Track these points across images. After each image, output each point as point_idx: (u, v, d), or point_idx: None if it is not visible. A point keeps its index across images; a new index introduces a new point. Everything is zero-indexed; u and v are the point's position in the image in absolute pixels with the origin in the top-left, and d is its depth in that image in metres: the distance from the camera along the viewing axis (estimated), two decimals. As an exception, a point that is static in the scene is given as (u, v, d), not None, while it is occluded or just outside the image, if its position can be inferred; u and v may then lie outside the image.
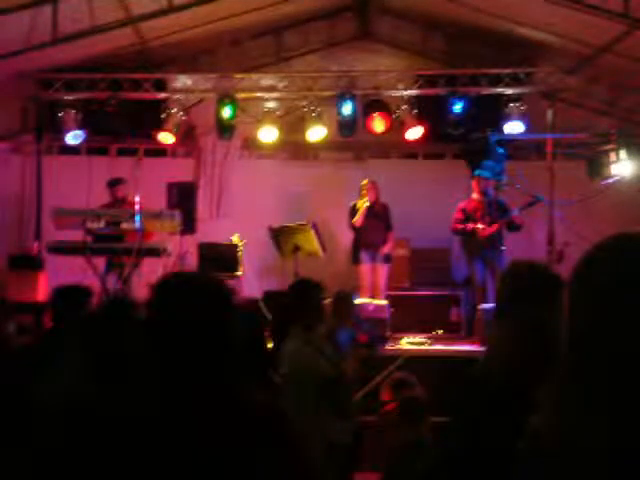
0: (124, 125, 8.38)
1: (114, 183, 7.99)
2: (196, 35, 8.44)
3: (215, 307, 1.67)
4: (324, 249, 7.91)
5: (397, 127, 8.53)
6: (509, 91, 8.33)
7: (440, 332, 7.97)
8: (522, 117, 8.26)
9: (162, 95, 8.53)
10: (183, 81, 8.64)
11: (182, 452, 1.54)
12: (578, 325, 1.18)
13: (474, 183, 7.92)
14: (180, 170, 9.34)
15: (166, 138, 8.54)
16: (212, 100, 8.58)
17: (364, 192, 8.16)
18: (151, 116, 8.49)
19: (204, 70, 8.92)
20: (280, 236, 7.93)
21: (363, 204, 8.12)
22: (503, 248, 7.62)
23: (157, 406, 1.61)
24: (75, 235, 6.94)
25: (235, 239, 8.06)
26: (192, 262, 8.00)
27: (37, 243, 8.17)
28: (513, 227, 7.75)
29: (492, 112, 8.33)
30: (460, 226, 7.82)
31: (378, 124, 8.47)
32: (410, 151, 9.64)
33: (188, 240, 8.18)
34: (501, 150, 7.66)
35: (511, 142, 8.49)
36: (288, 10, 8.54)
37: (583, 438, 1.11)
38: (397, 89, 8.55)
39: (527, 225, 7.94)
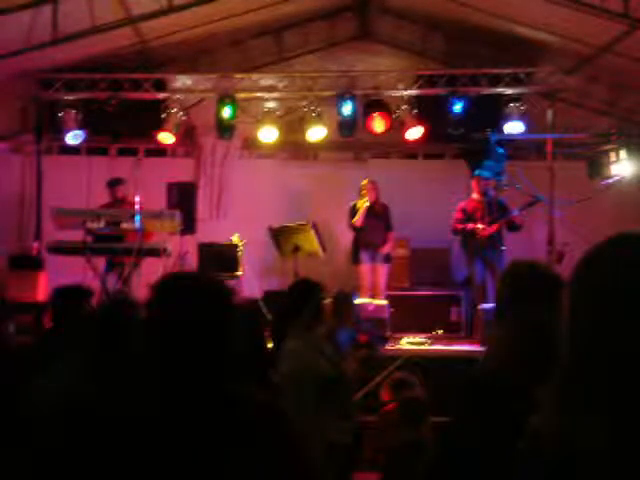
0: (124, 125, 8.38)
1: (114, 183, 7.99)
2: (196, 35, 8.44)
3: (215, 307, 1.67)
4: (324, 249, 7.91)
5: (397, 127, 8.53)
6: (509, 91, 8.33)
7: (440, 332, 7.97)
8: (522, 117, 8.26)
9: (162, 95, 8.52)
10: (183, 81, 8.64)
11: (182, 452, 1.54)
12: (578, 325, 1.18)
13: (474, 183, 7.92)
14: (180, 170, 9.34)
15: (166, 138, 8.54)
16: (212, 100, 8.58)
17: (364, 192, 8.16)
18: (151, 116, 8.48)
19: (204, 70, 8.92)
20: (280, 236, 7.92)
21: (363, 204, 8.12)
22: (503, 248, 7.61)
23: (157, 406, 1.61)
24: (75, 235, 6.95)
25: (235, 239, 8.05)
26: (192, 262, 8.00)
27: (37, 243, 8.17)
28: (513, 227, 7.75)
29: (492, 112, 8.33)
30: (460, 226, 7.81)
31: (378, 124, 8.47)
32: (410, 151, 9.64)
33: (188, 240, 8.18)
34: (501, 150, 7.66)
35: (511, 142, 8.48)
36: (288, 10, 8.54)
37: (583, 438, 1.11)
38: (397, 89, 8.55)
39: (527, 225, 7.94)
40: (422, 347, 7.11)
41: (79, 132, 8.32)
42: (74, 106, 8.28)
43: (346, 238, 8.56)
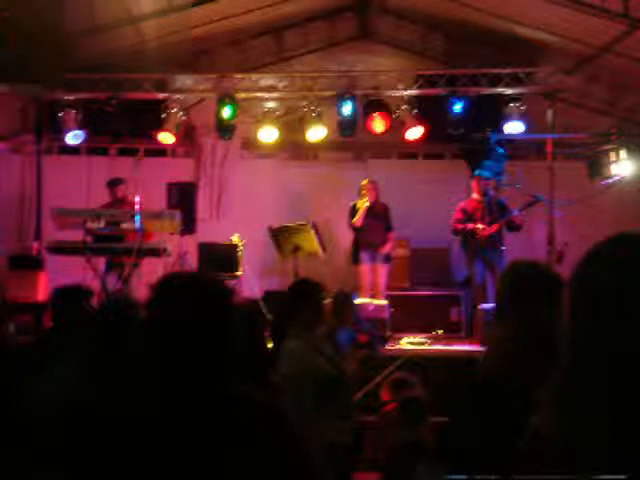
0: (124, 125, 8.37)
1: (114, 183, 7.99)
2: (196, 35, 8.44)
3: (215, 307, 1.67)
4: (324, 249, 7.91)
5: (397, 127, 8.52)
6: (509, 91, 8.32)
7: (440, 332, 7.97)
8: (522, 117, 8.25)
9: (162, 95, 8.52)
10: (183, 81, 8.63)
11: (182, 452, 1.54)
12: (578, 325, 1.18)
13: (474, 183, 7.92)
14: (180, 170, 9.34)
15: (166, 138, 8.53)
16: (212, 100, 8.58)
17: (364, 192, 8.16)
18: (151, 116, 8.48)
19: (204, 70, 8.92)
20: (280, 236, 7.92)
21: (363, 204, 8.12)
22: (503, 248, 7.61)
23: (157, 406, 1.61)
24: (75, 235, 6.95)
25: (235, 239, 8.05)
26: (192, 262, 8.00)
27: (37, 243, 8.17)
28: (513, 227, 7.74)
29: (492, 112, 8.32)
30: (460, 226, 7.81)
31: (378, 124, 8.46)
32: (410, 151, 9.65)
33: (188, 240, 8.18)
34: (501, 150, 7.66)
35: (511, 142, 8.48)
36: (288, 10, 8.55)
37: (583, 438, 1.11)
38: (397, 89, 8.54)
39: (527, 225, 7.93)
40: (422, 347, 7.11)
41: (79, 132, 8.31)
42: (74, 106, 8.27)
43: (346, 238, 8.56)
